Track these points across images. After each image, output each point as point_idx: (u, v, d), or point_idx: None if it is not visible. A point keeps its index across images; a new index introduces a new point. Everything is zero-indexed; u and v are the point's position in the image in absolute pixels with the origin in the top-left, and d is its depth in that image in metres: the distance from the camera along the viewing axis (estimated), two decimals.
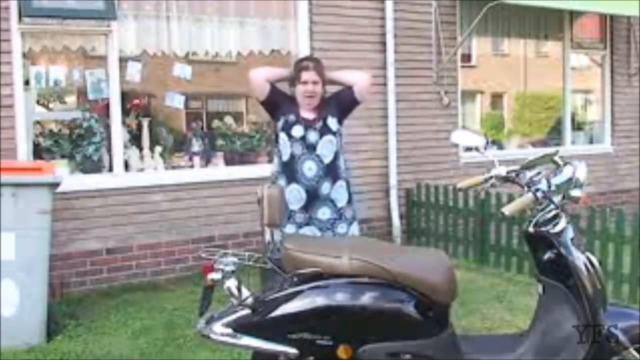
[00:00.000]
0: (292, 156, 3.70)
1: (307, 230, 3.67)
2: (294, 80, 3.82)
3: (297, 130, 3.71)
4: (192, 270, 5.81)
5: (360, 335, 2.48)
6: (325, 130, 3.73)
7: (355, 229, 3.86)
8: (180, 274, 5.87)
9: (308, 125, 3.72)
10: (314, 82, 3.73)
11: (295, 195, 3.67)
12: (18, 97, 5.28)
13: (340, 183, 3.78)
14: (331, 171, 3.73)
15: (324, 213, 3.71)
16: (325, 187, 3.71)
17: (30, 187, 4.25)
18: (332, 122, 3.76)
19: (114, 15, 5.54)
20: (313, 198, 3.69)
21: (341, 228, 3.75)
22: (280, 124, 3.77)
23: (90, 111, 5.82)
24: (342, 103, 3.85)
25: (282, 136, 3.75)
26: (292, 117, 3.74)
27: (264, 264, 2.61)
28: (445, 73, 7.27)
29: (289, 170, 3.70)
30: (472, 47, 8.79)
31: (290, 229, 3.63)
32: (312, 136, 3.70)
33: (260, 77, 3.79)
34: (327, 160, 3.71)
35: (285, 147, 3.72)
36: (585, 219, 5.49)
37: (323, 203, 3.71)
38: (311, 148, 3.70)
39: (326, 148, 3.72)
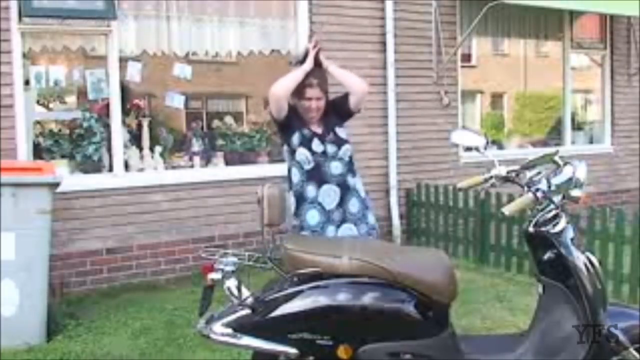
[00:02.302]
0: (317, 163, 3.71)
1: (345, 229, 3.68)
2: (296, 93, 3.79)
3: (316, 145, 3.72)
4: (192, 270, 5.81)
5: (360, 335, 2.48)
6: (340, 141, 3.76)
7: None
8: (180, 274, 5.87)
9: (322, 139, 3.75)
10: (318, 99, 3.73)
11: (330, 194, 3.68)
12: (18, 97, 5.28)
13: (358, 176, 3.86)
14: (351, 167, 3.80)
15: (353, 204, 3.74)
16: (350, 179, 3.76)
17: (30, 187, 4.25)
18: (341, 132, 3.80)
19: (114, 15, 5.54)
20: (345, 191, 3.72)
21: (371, 218, 3.81)
22: (296, 140, 3.73)
23: (90, 111, 5.82)
24: (339, 112, 3.85)
25: (303, 151, 3.71)
26: (306, 132, 3.74)
27: (264, 264, 2.62)
28: (445, 73, 7.27)
29: (318, 174, 3.70)
30: (472, 47, 8.80)
31: (331, 231, 3.64)
32: (331, 148, 3.73)
33: (283, 97, 3.71)
34: (347, 158, 3.77)
35: (308, 159, 3.71)
36: (585, 219, 5.49)
37: (351, 194, 3.75)
38: (332, 157, 3.73)
39: (345, 154, 3.77)
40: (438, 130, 7.15)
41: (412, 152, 7.10)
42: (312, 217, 3.65)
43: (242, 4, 6.34)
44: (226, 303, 2.56)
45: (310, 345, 2.46)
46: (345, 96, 3.84)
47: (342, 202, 3.71)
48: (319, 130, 3.77)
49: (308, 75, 3.75)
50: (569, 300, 2.70)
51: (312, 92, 3.72)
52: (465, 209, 6.44)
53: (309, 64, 3.78)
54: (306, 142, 3.72)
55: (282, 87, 3.72)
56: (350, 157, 3.81)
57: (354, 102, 3.81)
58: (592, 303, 2.67)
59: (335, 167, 3.71)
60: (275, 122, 3.84)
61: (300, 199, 3.70)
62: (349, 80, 3.85)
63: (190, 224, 5.97)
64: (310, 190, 3.68)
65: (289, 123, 3.77)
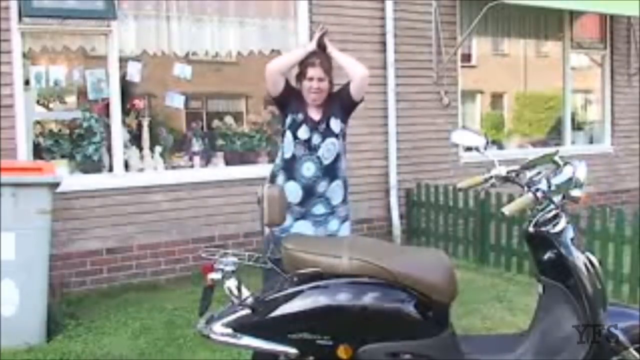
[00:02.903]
0: (294, 155, 3.74)
1: (302, 224, 3.70)
2: (299, 75, 3.81)
3: (303, 132, 3.73)
4: (192, 270, 5.81)
5: (360, 335, 2.48)
6: (328, 132, 3.75)
7: (347, 228, 3.88)
8: (180, 274, 5.87)
9: (313, 127, 3.74)
10: (320, 79, 3.72)
11: (292, 192, 3.70)
12: (18, 97, 5.28)
13: (337, 182, 3.81)
14: (330, 171, 3.77)
15: (318, 209, 3.76)
16: (321, 186, 3.75)
17: (30, 187, 4.25)
18: (334, 124, 3.78)
19: (114, 15, 5.54)
20: (309, 195, 3.74)
21: (333, 225, 3.78)
22: (288, 121, 3.79)
23: (90, 111, 5.81)
24: (344, 103, 3.84)
25: (288, 135, 3.77)
26: (300, 116, 3.76)
27: (264, 264, 2.62)
28: (445, 73, 7.27)
29: (289, 168, 3.75)
30: (472, 47, 8.80)
31: (288, 220, 3.61)
32: (316, 139, 3.74)
33: (277, 72, 3.76)
34: (326, 162, 3.75)
35: (290, 146, 3.76)
36: (585, 219, 5.49)
37: (318, 200, 3.75)
38: (313, 149, 3.73)
39: (328, 150, 3.75)
40: (438, 130, 7.15)
41: (412, 152, 7.10)
42: None
43: (242, 4, 6.34)
44: (226, 303, 2.56)
45: (310, 345, 2.46)
46: (348, 84, 3.84)
47: (304, 203, 3.74)
48: (315, 116, 3.77)
49: (311, 55, 3.79)
50: (569, 300, 2.71)
51: (313, 71, 3.72)
52: (465, 209, 6.44)
53: (311, 45, 3.87)
54: (294, 127, 3.76)
55: (278, 62, 3.81)
56: (336, 158, 3.77)
57: (354, 87, 3.80)
58: (592, 303, 2.67)
59: (307, 169, 3.72)
60: (273, 100, 3.90)
61: (274, 178, 3.80)
62: (348, 64, 3.86)
63: (190, 224, 5.97)
64: (280, 179, 3.76)
65: (285, 103, 3.82)
